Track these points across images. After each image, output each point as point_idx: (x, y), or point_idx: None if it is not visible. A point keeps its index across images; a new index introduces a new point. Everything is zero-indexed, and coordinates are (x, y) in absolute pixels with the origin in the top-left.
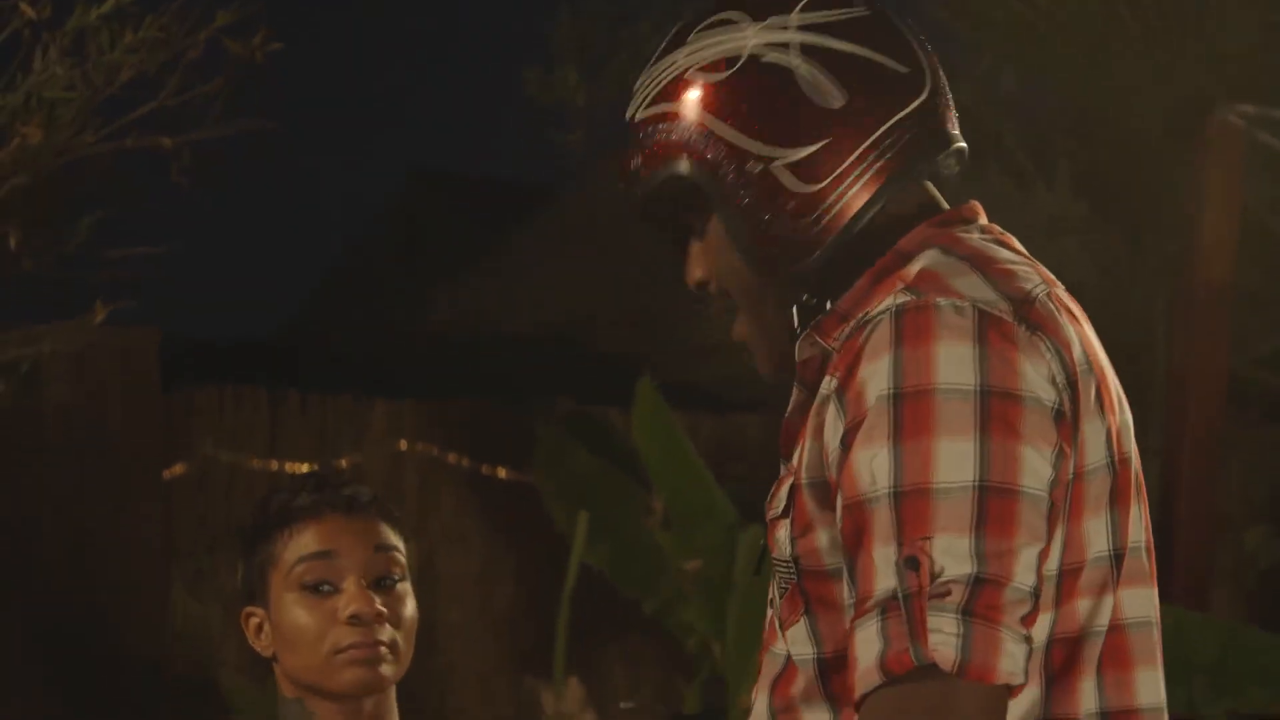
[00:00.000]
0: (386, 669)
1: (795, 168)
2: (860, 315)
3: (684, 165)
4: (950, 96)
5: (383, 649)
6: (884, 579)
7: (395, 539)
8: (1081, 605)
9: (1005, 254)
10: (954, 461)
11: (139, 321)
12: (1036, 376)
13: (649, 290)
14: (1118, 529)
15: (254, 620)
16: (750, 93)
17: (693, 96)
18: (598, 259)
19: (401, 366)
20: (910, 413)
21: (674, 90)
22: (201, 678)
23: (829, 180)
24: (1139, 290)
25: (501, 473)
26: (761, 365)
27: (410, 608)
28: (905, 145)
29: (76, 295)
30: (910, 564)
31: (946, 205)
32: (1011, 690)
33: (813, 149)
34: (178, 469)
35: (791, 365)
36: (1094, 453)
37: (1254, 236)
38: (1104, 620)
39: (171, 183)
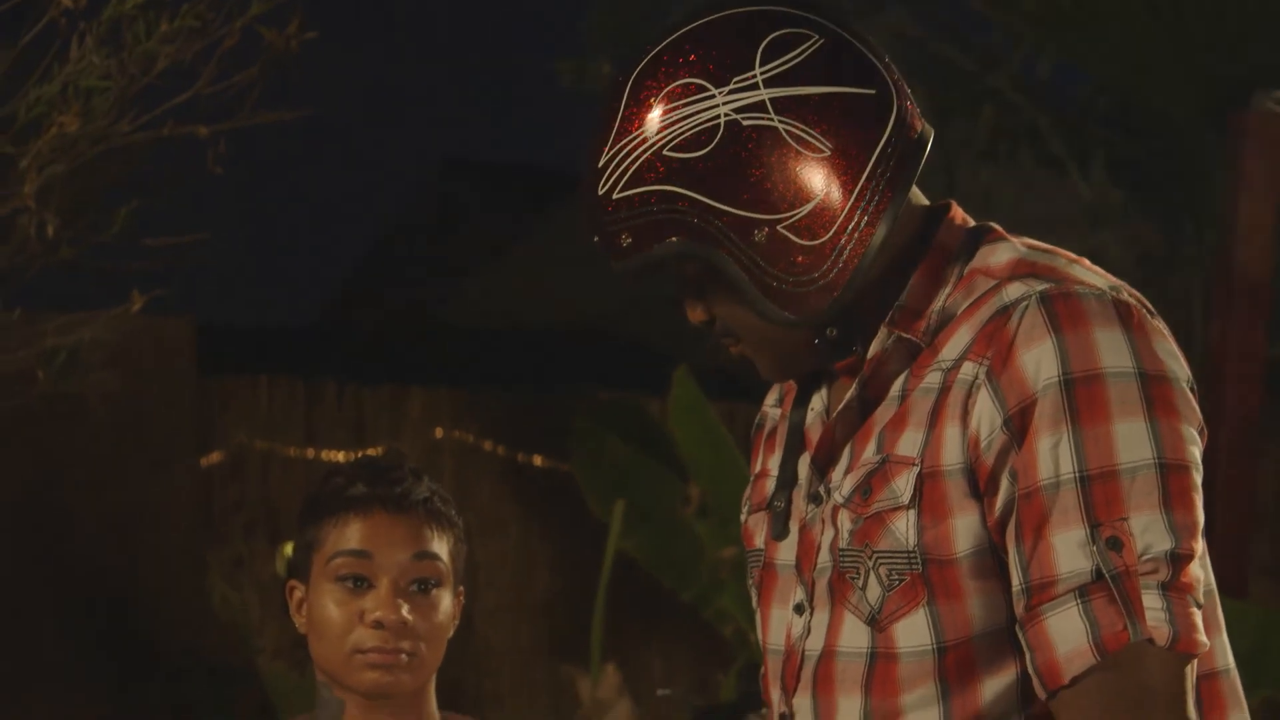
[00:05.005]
0: (404, 677)
1: (800, 225)
2: (934, 308)
3: (683, 241)
4: (908, 88)
5: (402, 657)
6: (1072, 562)
7: (440, 543)
8: None
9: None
10: (1133, 441)
11: (175, 310)
12: (1174, 357)
13: None
14: None
15: (297, 594)
16: (739, 163)
17: (680, 175)
18: None
19: (437, 355)
20: (1084, 397)
21: (655, 169)
22: (238, 664)
23: (836, 227)
24: (1176, 279)
25: (537, 460)
26: (766, 373)
27: (442, 614)
28: (896, 164)
29: (114, 284)
30: (1112, 544)
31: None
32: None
33: (814, 204)
34: (214, 457)
35: (798, 373)
36: None
37: None
38: None
39: (207, 171)
